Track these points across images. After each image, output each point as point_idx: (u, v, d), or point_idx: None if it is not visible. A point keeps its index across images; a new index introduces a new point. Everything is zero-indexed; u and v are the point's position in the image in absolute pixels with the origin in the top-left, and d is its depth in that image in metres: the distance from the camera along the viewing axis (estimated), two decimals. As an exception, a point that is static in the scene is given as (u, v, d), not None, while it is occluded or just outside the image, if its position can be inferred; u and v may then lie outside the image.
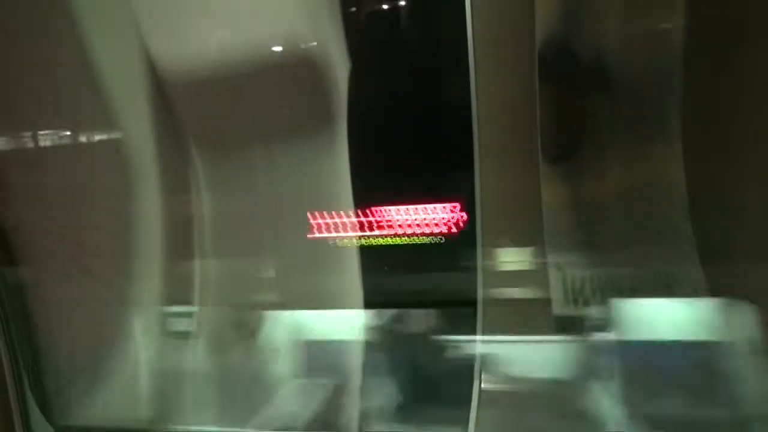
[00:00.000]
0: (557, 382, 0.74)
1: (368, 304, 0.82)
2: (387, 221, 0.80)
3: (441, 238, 0.78)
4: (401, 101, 0.78)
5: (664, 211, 0.68)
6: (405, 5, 0.76)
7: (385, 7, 0.77)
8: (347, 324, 0.83)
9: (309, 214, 0.81)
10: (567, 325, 0.74)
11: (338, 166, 0.80)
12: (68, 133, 0.86)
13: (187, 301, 0.87)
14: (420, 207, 0.78)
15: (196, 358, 0.85)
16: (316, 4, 0.76)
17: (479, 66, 0.71)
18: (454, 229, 0.77)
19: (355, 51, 0.77)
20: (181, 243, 0.86)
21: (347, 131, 0.78)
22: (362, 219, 0.80)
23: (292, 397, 0.85)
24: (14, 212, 0.82)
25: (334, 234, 0.81)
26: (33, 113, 0.85)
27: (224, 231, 0.85)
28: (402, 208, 0.79)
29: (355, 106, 0.78)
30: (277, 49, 0.77)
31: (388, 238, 0.80)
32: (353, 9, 0.77)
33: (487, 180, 0.75)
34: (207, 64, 0.78)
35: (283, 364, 0.86)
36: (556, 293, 0.74)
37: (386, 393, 0.82)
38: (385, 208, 0.80)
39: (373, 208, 0.80)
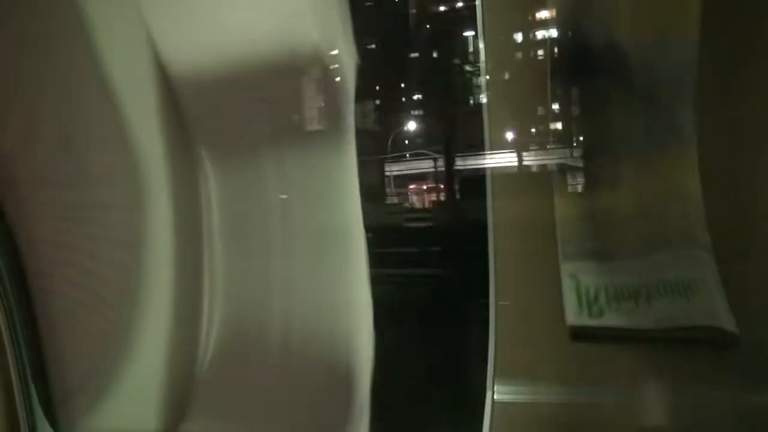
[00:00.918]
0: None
1: (377, 312, 0.82)
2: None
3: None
4: (409, 104, 0.79)
5: (680, 221, 0.68)
6: (414, 4, 0.76)
7: (393, 5, 0.77)
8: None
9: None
10: (581, 335, 0.73)
11: (347, 172, 0.80)
12: (81, 141, 0.86)
13: (196, 311, 0.86)
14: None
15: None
16: (325, 3, 0.76)
17: (490, 63, 0.71)
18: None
19: (362, 49, 0.77)
20: (191, 251, 0.85)
21: (355, 133, 0.78)
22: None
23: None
24: (27, 226, 0.82)
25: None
26: (45, 123, 0.86)
27: (234, 236, 0.85)
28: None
29: (363, 109, 0.78)
30: (287, 50, 0.77)
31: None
32: (361, 8, 0.77)
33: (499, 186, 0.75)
34: (217, 68, 0.78)
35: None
36: (570, 302, 0.73)
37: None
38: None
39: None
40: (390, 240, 0.86)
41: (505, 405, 0.76)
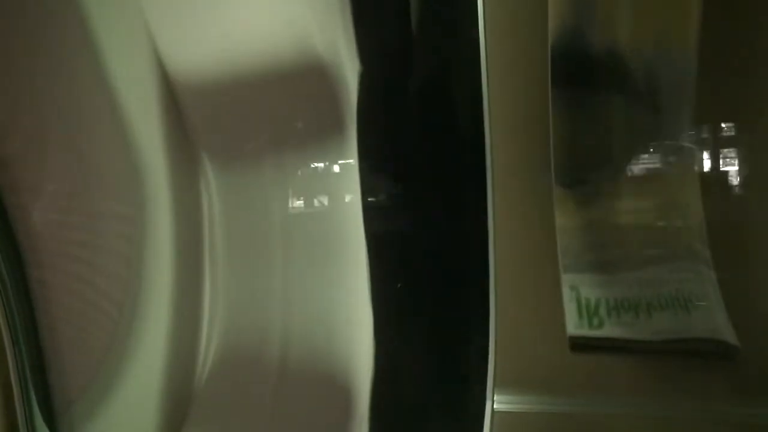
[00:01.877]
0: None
1: (377, 322, 0.82)
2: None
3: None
4: (411, 114, 0.78)
5: (681, 234, 0.68)
6: (416, 12, 0.76)
7: (395, 12, 0.77)
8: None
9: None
10: (581, 345, 0.73)
11: (348, 180, 0.80)
12: (82, 147, 0.86)
13: (196, 321, 0.86)
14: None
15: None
16: (328, 11, 0.76)
17: (492, 77, 0.71)
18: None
19: (365, 56, 0.77)
20: (192, 259, 0.85)
21: (357, 137, 0.78)
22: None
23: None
24: (29, 233, 0.82)
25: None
26: (47, 129, 0.86)
27: (236, 246, 0.85)
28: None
29: (365, 112, 0.78)
30: (289, 55, 0.77)
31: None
32: (364, 14, 0.77)
33: (500, 199, 0.75)
34: (220, 75, 0.78)
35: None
36: (570, 313, 0.73)
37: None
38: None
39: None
40: (388, 251, 0.86)
41: (505, 415, 0.77)
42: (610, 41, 0.69)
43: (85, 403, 0.86)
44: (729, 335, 0.66)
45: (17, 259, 0.81)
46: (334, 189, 0.82)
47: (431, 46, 0.78)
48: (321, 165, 0.82)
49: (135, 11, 0.79)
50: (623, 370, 0.71)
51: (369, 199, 0.80)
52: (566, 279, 0.73)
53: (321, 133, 0.80)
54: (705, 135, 0.67)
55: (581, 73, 0.71)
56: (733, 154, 0.66)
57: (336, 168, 0.81)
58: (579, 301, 0.73)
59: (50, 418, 0.84)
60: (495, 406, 0.77)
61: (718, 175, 0.67)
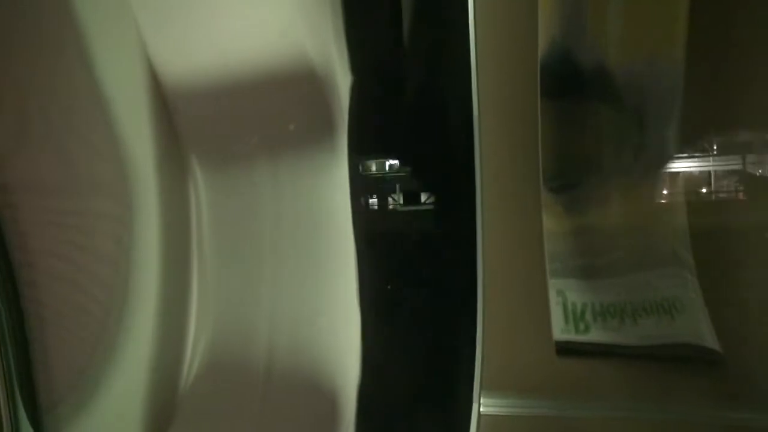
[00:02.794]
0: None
1: (365, 325, 0.82)
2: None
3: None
4: (401, 119, 0.79)
5: (665, 240, 0.70)
6: (408, 19, 0.77)
7: (387, 19, 0.78)
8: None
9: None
10: (567, 350, 0.74)
11: (338, 185, 0.80)
12: (71, 147, 0.86)
13: (183, 325, 0.86)
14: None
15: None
16: (320, 16, 0.77)
17: (482, 87, 0.72)
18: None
19: (356, 64, 0.77)
20: (180, 263, 0.85)
21: (348, 143, 0.79)
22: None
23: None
24: (18, 234, 0.82)
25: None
26: (36, 128, 0.85)
27: (224, 250, 0.85)
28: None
29: (356, 119, 0.78)
30: (281, 61, 0.77)
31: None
32: (356, 22, 0.77)
33: (489, 203, 0.76)
34: (210, 78, 0.78)
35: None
36: (557, 318, 0.74)
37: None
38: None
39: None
40: (376, 255, 0.87)
41: (491, 418, 0.77)
42: (599, 56, 0.71)
43: (70, 403, 0.85)
44: (712, 340, 0.68)
45: (5, 258, 0.81)
46: (324, 193, 0.82)
47: (422, 57, 0.79)
48: (311, 170, 0.83)
49: (126, 13, 0.80)
50: (609, 375, 0.72)
51: (358, 204, 0.81)
52: (553, 284, 0.74)
53: (311, 139, 0.81)
54: (690, 143, 0.69)
55: (570, 87, 0.72)
56: (716, 162, 0.68)
57: (326, 173, 0.82)
58: (566, 306, 0.74)
59: (35, 419, 0.84)
60: (481, 410, 0.78)
61: (701, 182, 0.68)
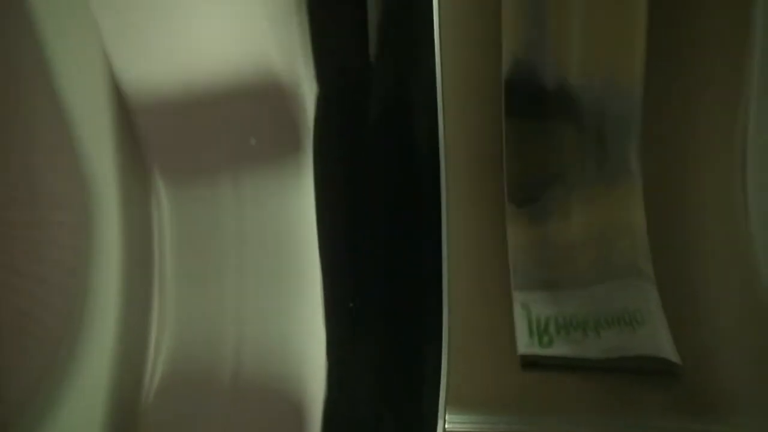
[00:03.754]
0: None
1: (330, 340, 0.81)
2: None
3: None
4: (367, 135, 0.79)
5: (626, 253, 0.71)
6: (373, 36, 0.77)
7: (353, 36, 0.78)
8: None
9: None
10: (531, 364, 0.74)
11: (303, 201, 0.80)
12: (30, 158, 0.84)
13: (144, 338, 0.84)
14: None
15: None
16: (287, 28, 0.77)
17: (447, 103, 0.73)
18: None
19: (322, 77, 0.77)
20: (141, 275, 0.84)
21: (313, 158, 0.78)
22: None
23: None
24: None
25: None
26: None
27: (187, 263, 0.84)
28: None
29: (321, 134, 0.78)
30: (247, 72, 0.77)
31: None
32: (322, 35, 0.78)
33: (454, 220, 0.76)
34: (173, 89, 0.77)
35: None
36: (521, 331, 0.75)
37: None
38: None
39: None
40: (341, 270, 0.86)
41: (457, 435, 0.77)
42: (561, 74, 0.72)
43: (23, 423, 0.82)
44: (671, 353, 0.69)
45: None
46: (289, 208, 0.82)
47: (388, 73, 0.80)
48: (276, 184, 0.82)
49: (87, 21, 0.79)
50: (573, 388, 0.73)
51: (323, 219, 0.81)
52: (518, 297, 0.75)
53: (277, 153, 0.80)
54: (649, 158, 0.70)
55: (533, 105, 0.73)
56: (674, 176, 0.69)
57: (291, 187, 0.81)
58: (530, 320, 0.74)
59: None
60: (447, 426, 0.77)
61: (660, 196, 0.70)
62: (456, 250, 0.76)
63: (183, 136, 0.82)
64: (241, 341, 0.83)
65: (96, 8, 0.78)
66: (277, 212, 0.81)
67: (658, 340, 0.69)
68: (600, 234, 0.72)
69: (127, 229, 0.81)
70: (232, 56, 0.76)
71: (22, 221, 0.81)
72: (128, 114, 0.79)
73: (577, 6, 0.71)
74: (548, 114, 0.73)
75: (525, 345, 0.74)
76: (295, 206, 0.80)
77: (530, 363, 0.74)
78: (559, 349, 0.73)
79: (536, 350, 0.74)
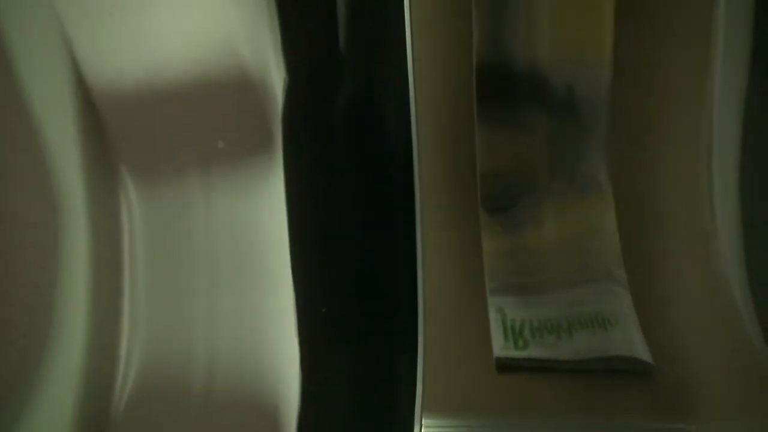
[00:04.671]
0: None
1: (303, 346, 0.80)
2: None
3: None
4: (338, 128, 0.78)
5: (599, 258, 0.73)
6: (343, 25, 0.76)
7: (322, 26, 0.77)
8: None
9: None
10: (507, 367, 0.75)
11: (274, 201, 0.78)
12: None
13: (114, 346, 0.82)
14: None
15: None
16: (257, 22, 0.75)
17: (419, 94, 0.72)
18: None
19: (292, 68, 0.76)
20: (109, 277, 0.81)
21: (283, 154, 0.76)
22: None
23: None
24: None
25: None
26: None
27: (157, 265, 0.81)
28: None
29: (290, 131, 0.77)
30: (216, 66, 0.75)
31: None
32: (291, 26, 0.76)
33: (428, 222, 0.76)
34: (140, 84, 0.75)
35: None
36: (496, 335, 0.76)
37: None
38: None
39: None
40: (313, 274, 0.85)
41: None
42: (532, 58, 0.73)
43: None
44: (644, 353, 0.71)
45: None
46: (261, 208, 0.80)
47: (359, 63, 0.78)
48: (248, 182, 0.80)
49: (50, 13, 0.76)
50: (548, 390, 0.74)
51: (294, 219, 0.79)
52: (493, 302, 0.75)
53: (248, 149, 0.78)
54: (618, 166, 0.72)
55: (505, 91, 0.74)
56: (643, 182, 0.71)
57: (263, 186, 0.79)
58: (505, 323, 0.75)
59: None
60: (423, 431, 0.77)
61: (631, 203, 0.72)
62: (431, 256, 0.77)
63: (150, 132, 0.79)
64: (213, 350, 0.81)
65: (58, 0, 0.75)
66: (247, 212, 0.79)
67: (631, 340, 0.71)
68: (573, 240, 0.74)
69: (95, 229, 0.79)
70: (200, 47, 0.74)
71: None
72: (94, 109, 0.77)
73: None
74: (519, 100, 0.74)
75: (500, 348, 0.75)
76: (266, 206, 0.78)
77: (506, 366, 0.75)
78: (534, 351, 0.74)
79: (511, 353, 0.75)
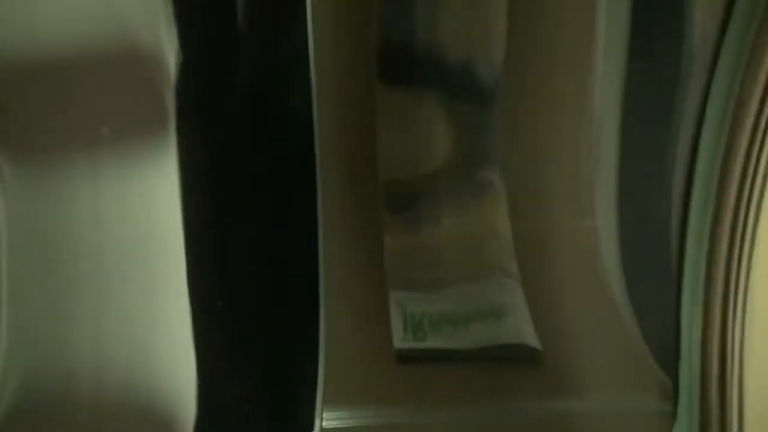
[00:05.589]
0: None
1: (198, 344, 0.78)
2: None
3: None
4: (234, 108, 0.74)
5: (493, 254, 0.78)
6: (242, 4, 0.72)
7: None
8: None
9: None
10: (406, 357, 0.78)
11: (168, 187, 0.74)
12: None
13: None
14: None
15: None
16: None
17: (320, 73, 0.71)
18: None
19: (185, 41, 0.71)
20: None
21: (176, 135, 0.72)
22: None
23: None
24: None
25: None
26: None
27: (39, 259, 0.74)
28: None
29: (183, 110, 0.72)
30: (105, 39, 0.69)
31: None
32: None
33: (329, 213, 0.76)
34: (18, 58, 0.68)
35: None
36: (396, 328, 0.78)
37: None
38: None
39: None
40: (208, 267, 0.82)
41: (334, 431, 0.79)
42: (431, 40, 0.74)
43: None
44: (533, 340, 0.77)
45: None
46: (154, 195, 0.75)
47: (258, 43, 0.75)
48: (140, 169, 0.74)
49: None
50: (446, 379, 0.78)
51: (188, 207, 0.75)
52: (393, 296, 0.78)
53: (140, 132, 0.73)
54: (511, 163, 0.77)
55: (405, 73, 0.75)
56: (534, 178, 0.77)
57: (156, 171, 0.74)
58: (405, 317, 0.78)
59: None
60: (324, 424, 0.78)
61: (522, 199, 0.77)
62: (332, 252, 0.77)
63: (27, 114, 0.71)
64: (101, 358, 0.76)
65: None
66: (138, 199, 0.74)
67: (521, 329, 0.77)
68: (469, 238, 0.78)
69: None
70: (90, 21, 0.68)
71: None
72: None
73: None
74: (419, 87, 0.75)
75: (400, 340, 0.78)
76: (160, 194, 0.73)
77: (405, 357, 0.78)
78: (433, 342, 0.78)
79: (411, 344, 0.78)
